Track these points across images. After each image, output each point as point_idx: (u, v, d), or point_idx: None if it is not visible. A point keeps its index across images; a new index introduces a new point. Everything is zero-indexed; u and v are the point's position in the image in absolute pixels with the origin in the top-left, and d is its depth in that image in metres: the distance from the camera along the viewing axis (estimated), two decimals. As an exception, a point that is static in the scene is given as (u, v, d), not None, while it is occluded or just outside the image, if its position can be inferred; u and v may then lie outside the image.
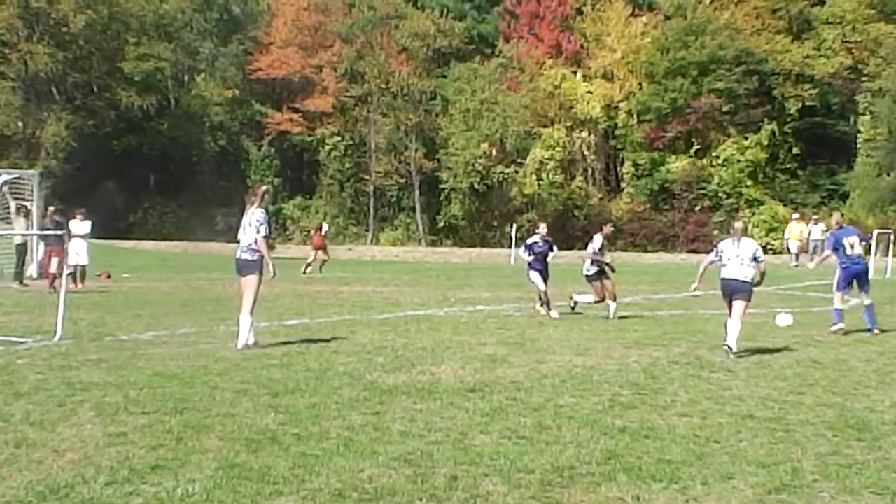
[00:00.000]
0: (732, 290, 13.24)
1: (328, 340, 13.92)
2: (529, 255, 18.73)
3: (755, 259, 13.31)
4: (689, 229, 54.99)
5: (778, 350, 13.49)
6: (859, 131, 56.97)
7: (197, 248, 48.55)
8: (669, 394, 10.08)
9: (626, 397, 9.78)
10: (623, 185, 61.14)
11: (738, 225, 13.92)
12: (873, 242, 33.27)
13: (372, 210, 62.57)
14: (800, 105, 58.88)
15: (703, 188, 55.75)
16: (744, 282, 13.24)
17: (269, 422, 8.31)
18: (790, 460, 7.29)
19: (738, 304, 13.15)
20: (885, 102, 52.70)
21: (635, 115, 58.89)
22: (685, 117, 56.38)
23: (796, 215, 41.92)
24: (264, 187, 14.05)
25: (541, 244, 18.76)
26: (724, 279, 13.34)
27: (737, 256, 13.25)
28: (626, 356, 12.77)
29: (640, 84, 59.38)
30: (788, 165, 59.10)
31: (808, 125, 59.46)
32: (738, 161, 55.61)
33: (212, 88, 64.30)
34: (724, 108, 56.42)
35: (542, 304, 18.42)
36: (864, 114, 57.01)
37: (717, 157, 56.45)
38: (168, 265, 36.67)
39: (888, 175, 51.02)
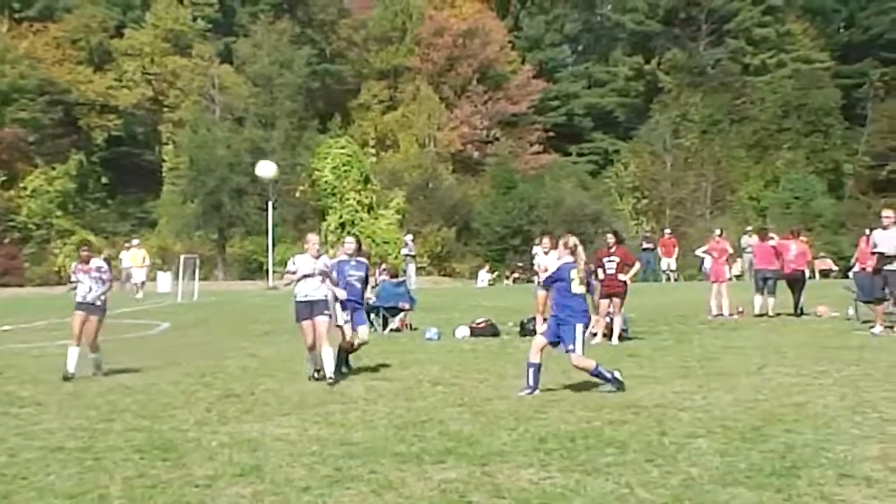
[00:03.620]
0: None
1: None
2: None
3: None
4: (-3, 264, 52.59)
5: (91, 379, 13.48)
6: (164, 160, 58.98)
7: None
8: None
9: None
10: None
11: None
12: (181, 267, 34.58)
13: None
14: (106, 135, 59.57)
15: (13, 220, 53.68)
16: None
17: None
18: (99, 488, 7.38)
19: None
20: (185, 133, 55.14)
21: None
22: (-12, 147, 53.94)
23: (136, 241, 40.89)
24: None
25: (354, 265, 14.40)
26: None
27: None
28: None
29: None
30: (98, 195, 59.35)
31: (115, 155, 60.27)
32: (48, 192, 54.45)
33: None
34: (30, 139, 54.99)
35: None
36: (167, 143, 59.18)
37: (25, 188, 54.72)
38: None
39: (192, 202, 53.34)
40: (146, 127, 62.65)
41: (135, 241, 40.71)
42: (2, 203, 53.59)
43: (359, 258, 14.60)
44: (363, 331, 14.18)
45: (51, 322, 24.89)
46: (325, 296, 13.11)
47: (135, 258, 37.95)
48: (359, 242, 15.10)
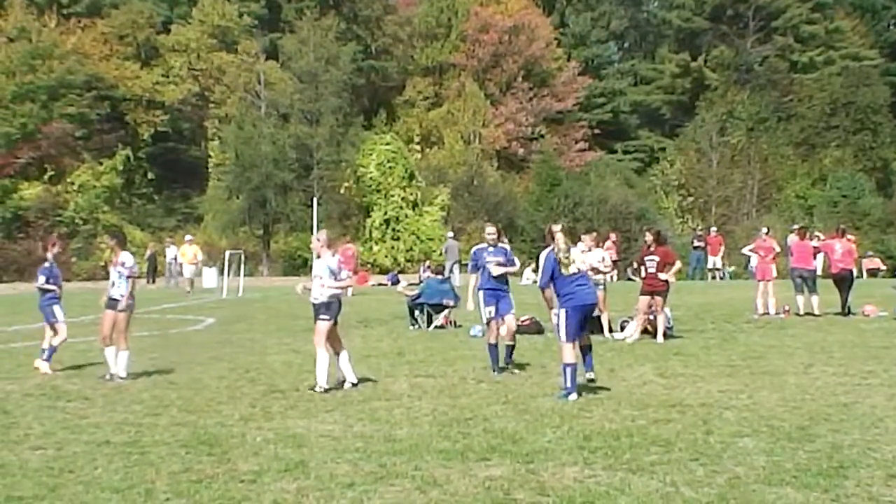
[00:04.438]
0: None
1: None
2: (480, 272, 13.98)
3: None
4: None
5: (136, 375, 13.59)
6: (210, 156, 59.37)
7: None
8: (23, 427, 9.78)
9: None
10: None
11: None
12: (226, 263, 34.82)
13: None
14: (152, 131, 60.02)
15: (60, 215, 54.28)
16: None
17: None
18: (144, 482, 7.44)
19: None
20: (231, 128, 55.41)
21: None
22: (37, 143, 54.51)
23: (189, 237, 41.18)
24: None
25: (493, 251, 14.04)
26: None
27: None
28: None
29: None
30: (144, 190, 59.90)
31: (161, 150, 60.75)
32: (94, 187, 54.97)
33: None
34: (78, 134, 55.48)
35: (500, 367, 13.55)
36: (213, 139, 59.52)
37: (73, 183, 55.28)
38: None
39: (238, 198, 53.65)
40: (192, 123, 63.11)
41: (187, 237, 40.94)
42: (49, 198, 54.18)
43: (500, 244, 14.16)
44: (510, 319, 13.72)
45: (98, 317, 25.14)
46: (329, 297, 12.25)
47: (186, 254, 38.03)
48: (498, 230, 14.57)
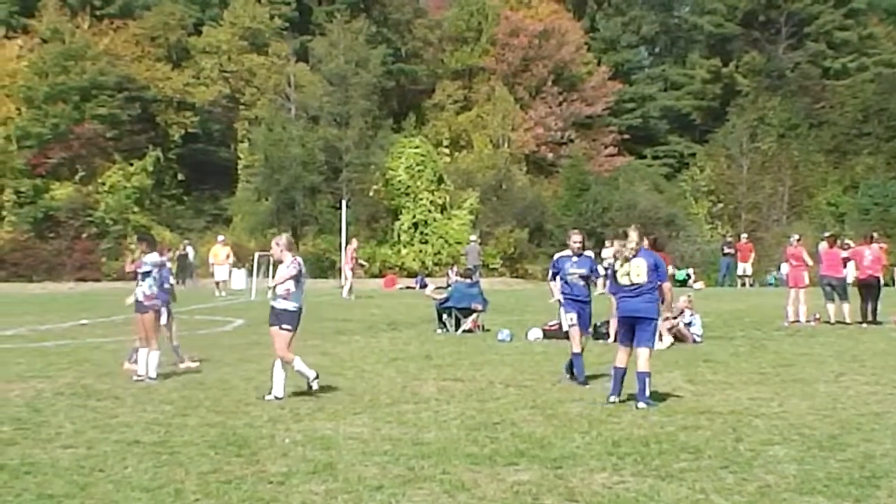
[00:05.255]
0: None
1: None
2: (560, 281, 13.35)
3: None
4: (76, 257, 53.59)
5: (166, 375, 13.67)
6: (239, 158, 59.63)
7: None
8: (54, 426, 9.85)
9: (6, 433, 9.36)
10: (4, 213, 57.94)
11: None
12: (255, 265, 34.93)
13: None
14: (183, 132, 60.31)
15: (90, 215, 54.66)
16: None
17: None
18: (174, 482, 7.48)
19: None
20: (261, 130, 55.64)
21: (15, 141, 56.15)
22: (68, 143, 54.94)
23: (221, 237, 41.14)
24: None
25: (577, 261, 13.35)
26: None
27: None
28: (6, 390, 12.19)
29: (18, 109, 56.75)
30: (174, 191, 60.18)
31: (191, 152, 61.05)
32: (125, 187, 55.29)
33: None
34: (109, 135, 55.82)
35: (569, 375, 13.13)
36: (242, 141, 59.78)
37: (103, 183, 55.64)
38: None
39: (266, 200, 53.86)
40: (222, 124, 63.43)
41: (220, 238, 40.92)
42: (80, 198, 54.55)
43: (584, 253, 13.40)
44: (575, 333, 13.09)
45: (128, 317, 25.30)
46: (296, 306, 11.84)
47: (218, 254, 37.92)
48: (584, 238, 13.70)
